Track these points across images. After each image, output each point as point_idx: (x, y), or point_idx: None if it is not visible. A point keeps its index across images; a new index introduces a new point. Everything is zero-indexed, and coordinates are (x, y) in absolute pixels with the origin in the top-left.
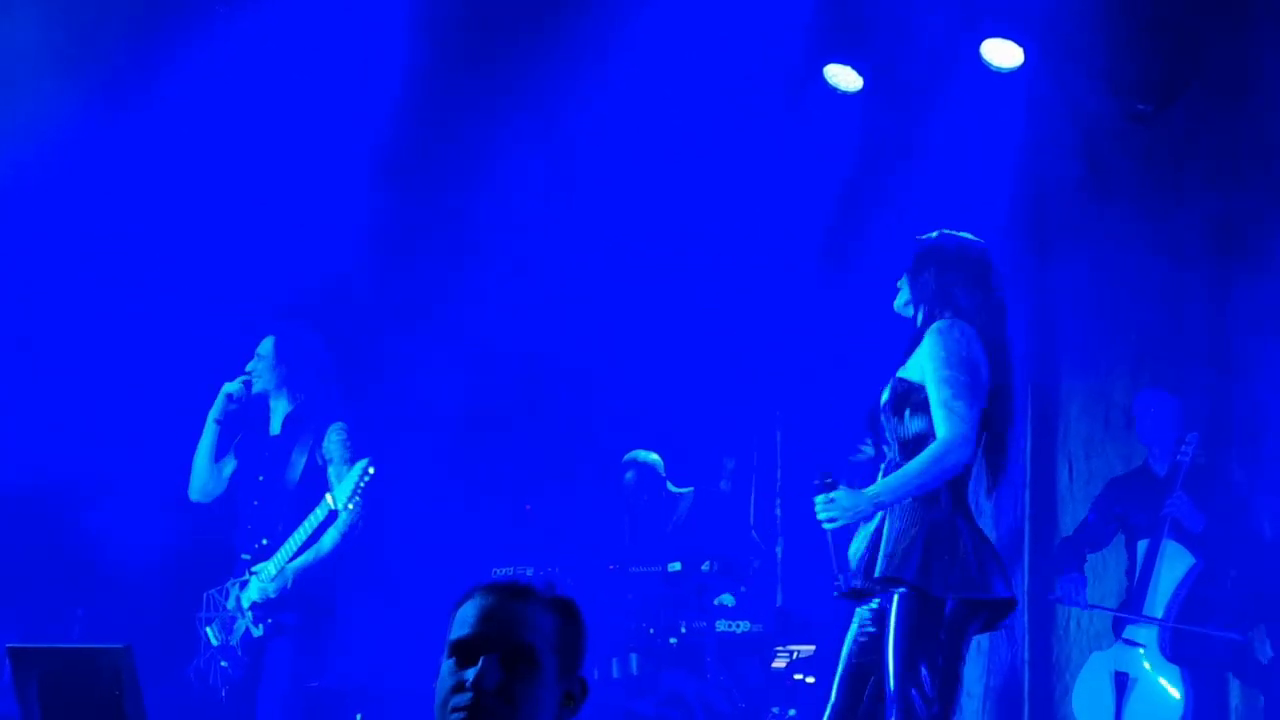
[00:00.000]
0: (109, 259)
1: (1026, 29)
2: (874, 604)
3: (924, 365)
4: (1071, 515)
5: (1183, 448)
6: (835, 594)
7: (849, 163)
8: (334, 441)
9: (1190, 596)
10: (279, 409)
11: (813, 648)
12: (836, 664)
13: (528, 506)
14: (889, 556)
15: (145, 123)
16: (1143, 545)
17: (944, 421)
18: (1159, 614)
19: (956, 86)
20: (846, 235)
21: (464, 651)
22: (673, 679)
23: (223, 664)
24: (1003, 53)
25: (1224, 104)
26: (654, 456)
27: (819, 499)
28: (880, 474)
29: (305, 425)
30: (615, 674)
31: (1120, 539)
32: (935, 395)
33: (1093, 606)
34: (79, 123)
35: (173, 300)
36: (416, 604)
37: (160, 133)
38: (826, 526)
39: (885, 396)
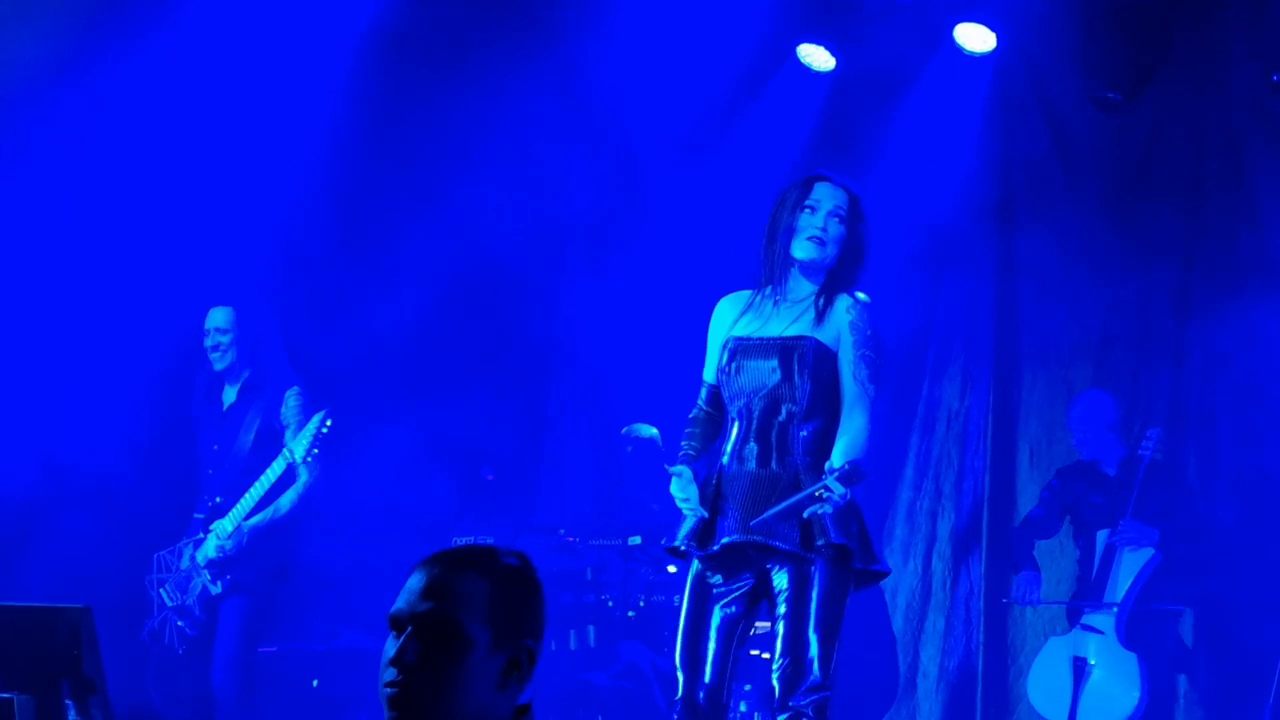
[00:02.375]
0: (47, 234)
1: (999, 14)
2: (747, 570)
3: (843, 335)
4: (1030, 500)
5: (1144, 443)
6: (684, 550)
7: (818, 143)
8: (291, 407)
9: (1148, 587)
10: (234, 381)
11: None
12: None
13: (489, 476)
14: (830, 525)
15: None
16: (1102, 535)
17: (862, 400)
18: (1117, 599)
19: (929, 69)
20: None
21: (394, 625)
22: (630, 651)
23: (179, 624)
24: (975, 37)
25: (1192, 94)
26: (653, 431)
27: (840, 487)
28: (736, 428)
29: (259, 391)
30: (572, 645)
31: (1069, 528)
32: (853, 371)
33: (1046, 602)
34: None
35: (111, 269)
36: (374, 572)
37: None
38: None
39: (800, 353)
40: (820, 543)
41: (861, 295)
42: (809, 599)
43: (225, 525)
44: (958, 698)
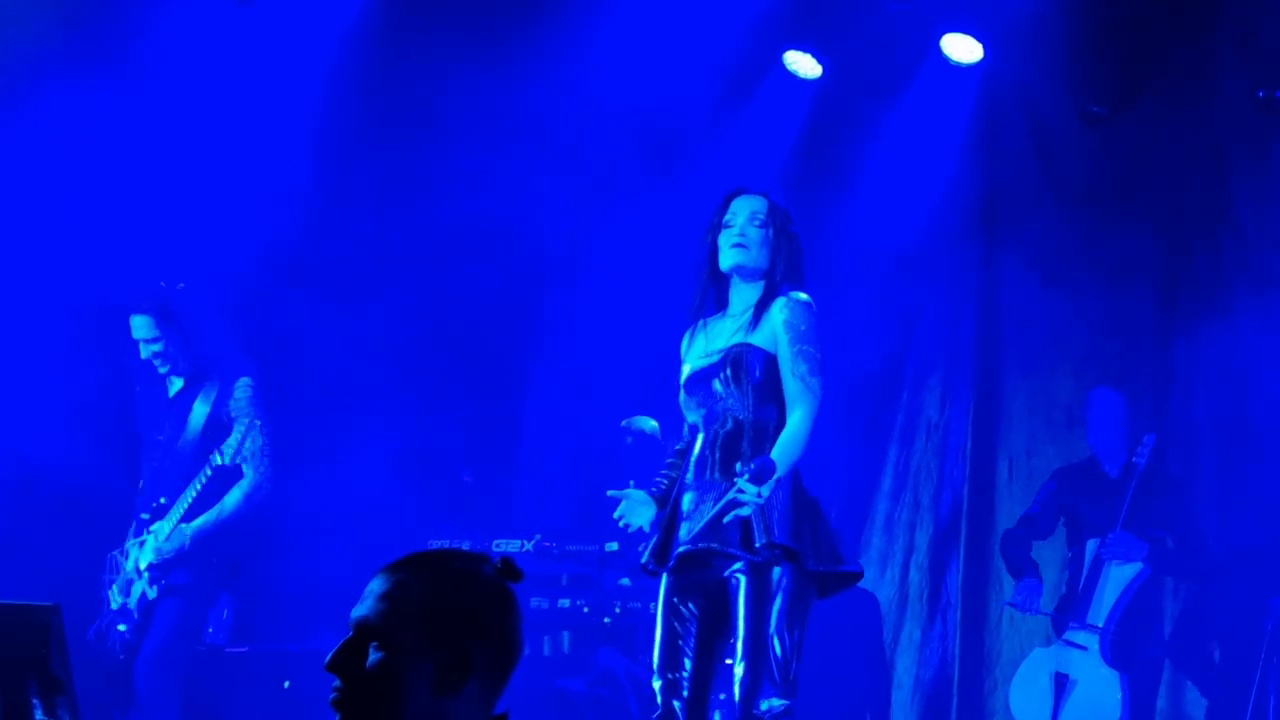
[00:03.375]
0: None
1: (987, 25)
2: (710, 580)
3: (778, 336)
4: (1008, 513)
5: (1139, 449)
6: (657, 564)
7: (803, 150)
8: (240, 400)
9: (1134, 604)
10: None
11: None
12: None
13: (468, 478)
14: (775, 525)
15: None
16: (1091, 545)
17: (803, 396)
18: (1101, 621)
19: (915, 79)
20: (798, 222)
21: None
22: (605, 658)
23: (120, 628)
24: (962, 47)
25: (1178, 109)
26: (654, 424)
27: (752, 487)
28: (699, 443)
29: (205, 379)
30: (546, 651)
31: (1062, 531)
32: (791, 369)
33: (1046, 614)
34: None
35: (97, 269)
36: (349, 573)
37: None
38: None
39: (732, 362)
40: (761, 543)
41: (800, 295)
42: (767, 604)
43: (163, 527)
44: (933, 709)
